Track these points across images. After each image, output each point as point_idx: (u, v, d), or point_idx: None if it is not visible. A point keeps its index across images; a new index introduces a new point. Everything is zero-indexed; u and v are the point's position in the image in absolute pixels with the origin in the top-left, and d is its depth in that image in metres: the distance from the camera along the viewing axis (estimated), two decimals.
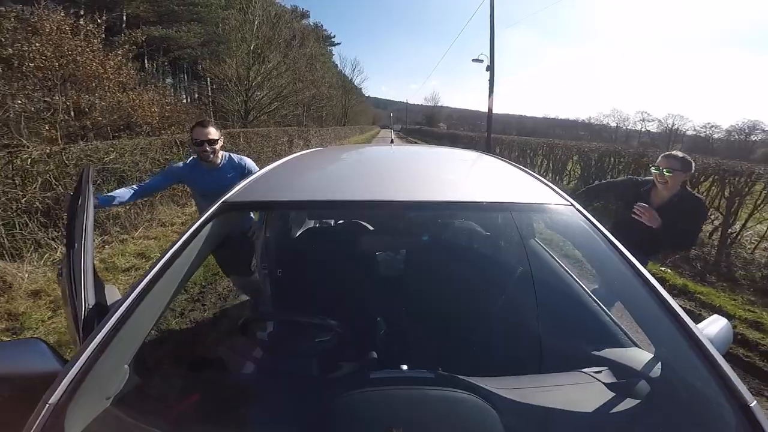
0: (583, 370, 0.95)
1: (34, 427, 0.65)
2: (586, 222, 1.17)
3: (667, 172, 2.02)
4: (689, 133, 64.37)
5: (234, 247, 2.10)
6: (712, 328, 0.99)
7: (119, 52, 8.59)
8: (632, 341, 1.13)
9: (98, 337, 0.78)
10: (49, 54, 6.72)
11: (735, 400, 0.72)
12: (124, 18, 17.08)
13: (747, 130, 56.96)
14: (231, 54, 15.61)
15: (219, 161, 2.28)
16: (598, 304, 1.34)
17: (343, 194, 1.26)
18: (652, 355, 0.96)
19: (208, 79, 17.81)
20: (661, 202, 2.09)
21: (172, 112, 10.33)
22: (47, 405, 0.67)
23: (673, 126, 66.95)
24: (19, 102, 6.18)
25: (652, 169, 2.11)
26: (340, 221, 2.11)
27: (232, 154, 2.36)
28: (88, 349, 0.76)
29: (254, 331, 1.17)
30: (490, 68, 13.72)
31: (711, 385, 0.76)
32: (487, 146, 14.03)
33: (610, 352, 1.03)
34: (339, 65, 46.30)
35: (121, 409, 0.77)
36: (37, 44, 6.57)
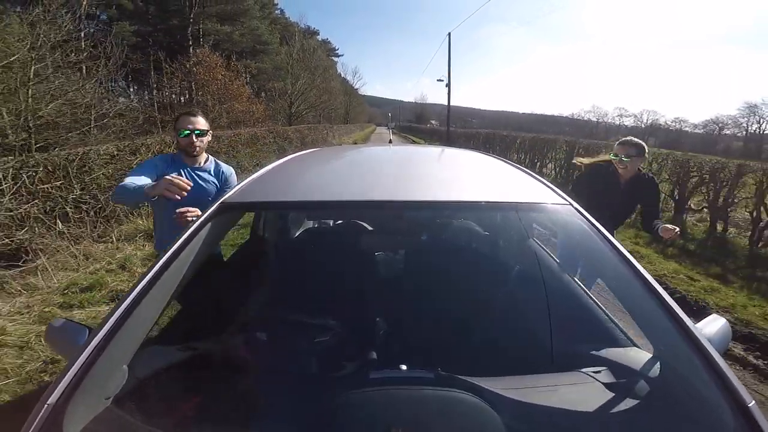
0: (582, 370, 0.91)
1: (33, 427, 0.61)
2: (584, 221, 1.13)
3: (625, 158, 2.17)
4: (663, 127, 65.83)
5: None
6: (711, 327, 0.95)
7: (244, 76, 15.64)
8: (631, 341, 1.09)
9: (97, 337, 0.75)
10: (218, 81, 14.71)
11: (734, 401, 0.69)
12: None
13: (720, 125, 57.99)
14: (282, 76, 23.23)
15: (203, 161, 1.88)
16: (597, 304, 1.30)
17: (341, 194, 1.21)
18: (651, 355, 0.93)
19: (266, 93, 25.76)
20: (625, 181, 2.28)
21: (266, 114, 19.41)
22: (46, 405, 0.64)
23: (647, 121, 68.22)
24: (217, 108, 13.79)
25: (611, 156, 2.25)
26: (339, 221, 2.05)
27: (216, 160, 1.96)
28: (87, 349, 0.72)
29: (253, 331, 1.13)
30: (448, 86, 20.09)
31: (710, 385, 0.73)
32: (447, 138, 20.93)
33: (608, 352, 0.99)
34: (341, 71, 50.33)
35: (120, 409, 0.74)
36: (218, 76, 14.58)
